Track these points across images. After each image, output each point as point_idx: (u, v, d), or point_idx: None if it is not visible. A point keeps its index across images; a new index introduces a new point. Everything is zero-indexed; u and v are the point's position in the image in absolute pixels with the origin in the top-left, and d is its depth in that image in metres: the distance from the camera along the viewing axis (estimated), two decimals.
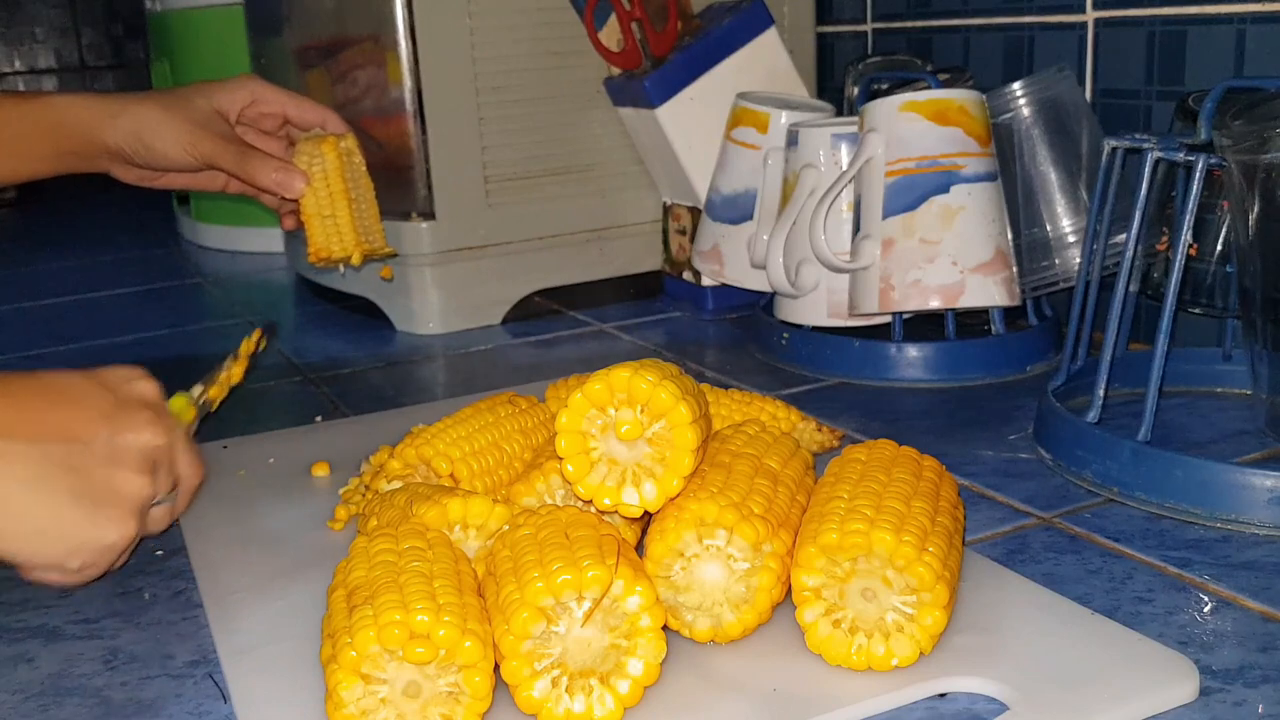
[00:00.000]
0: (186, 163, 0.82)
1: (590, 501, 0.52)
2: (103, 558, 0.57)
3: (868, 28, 1.23)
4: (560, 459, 0.52)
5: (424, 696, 0.45)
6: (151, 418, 0.59)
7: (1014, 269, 0.89)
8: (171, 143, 0.81)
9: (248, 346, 0.77)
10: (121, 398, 0.59)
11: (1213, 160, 0.68)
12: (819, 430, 0.74)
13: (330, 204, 0.85)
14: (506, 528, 0.53)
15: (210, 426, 0.78)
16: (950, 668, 0.49)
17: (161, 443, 0.59)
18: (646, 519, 0.56)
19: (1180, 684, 0.48)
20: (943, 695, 0.49)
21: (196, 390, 0.72)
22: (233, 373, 0.75)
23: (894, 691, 0.48)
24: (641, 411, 0.51)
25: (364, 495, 0.69)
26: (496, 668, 0.46)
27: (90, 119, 0.81)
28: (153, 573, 0.65)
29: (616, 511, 0.52)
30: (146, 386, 0.62)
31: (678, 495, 0.52)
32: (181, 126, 0.80)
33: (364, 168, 0.88)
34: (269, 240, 1.61)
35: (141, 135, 0.81)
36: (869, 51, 1.23)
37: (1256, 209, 0.68)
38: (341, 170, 0.85)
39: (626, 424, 0.51)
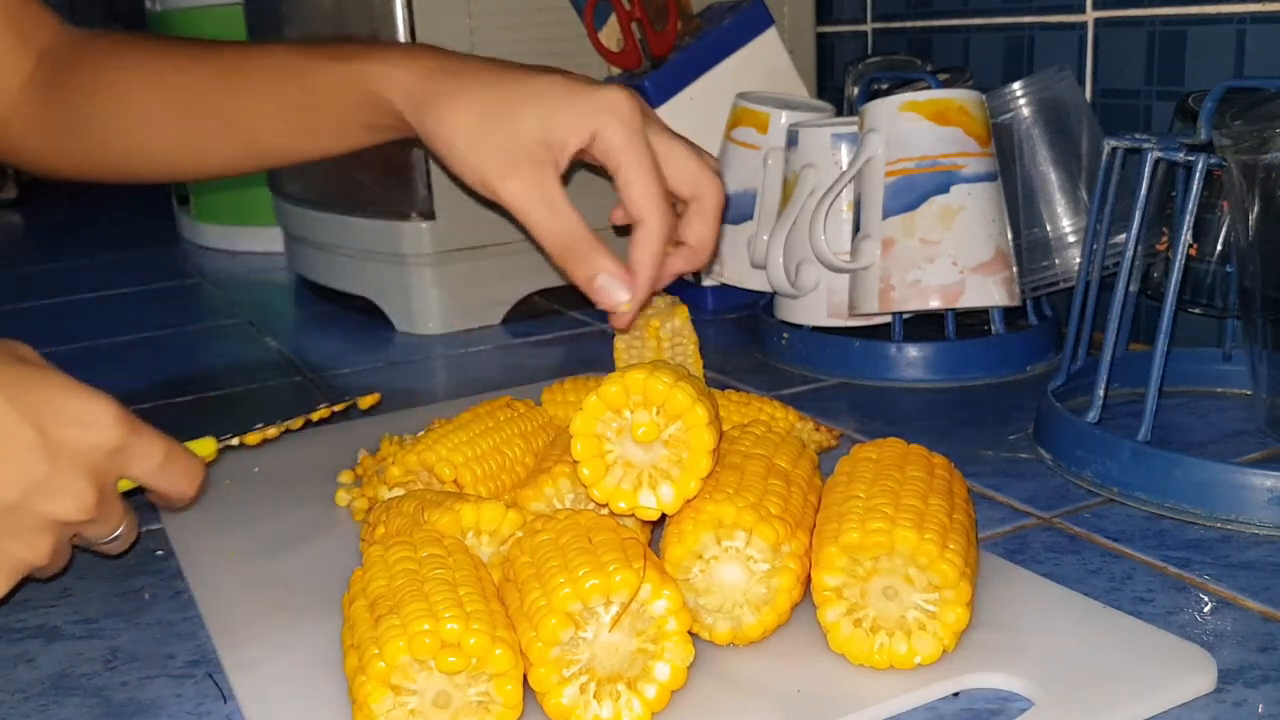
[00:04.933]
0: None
1: (605, 505, 0.52)
2: (6, 582, 0.52)
3: (868, 28, 1.23)
4: (575, 462, 0.52)
5: (454, 706, 0.44)
6: (76, 489, 0.51)
7: (1014, 269, 0.89)
8: (468, 173, 0.63)
9: (320, 414, 0.71)
10: (54, 448, 0.51)
11: (1213, 160, 0.68)
12: (816, 430, 0.74)
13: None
14: (521, 534, 0.53)
15: (213, 429, 0.77)
16: (972, 665, 0.49)
17: (76, 518, 0.52)
18: (653, 524, 0.56)
19: (1199, 674, 0.48)
20: (955, 695, 0.49)
21: (234, 441, 0.67)
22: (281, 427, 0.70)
23: (919, 689, 0.48)
24: (658, 413, 0.51)
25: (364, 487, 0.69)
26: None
27: (403, 103, 0.63)
28: (153, 573, 0.65)
29: (632, 515, 0.52)
30: (97, 439, 0.52)
31: (693, 497, 0.52)
32: (486, 158, 0.62)
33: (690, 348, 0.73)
34: (269, 240, 1.61)
35: (438, 147, 0.63)
36: (869, 51, 1.23)
37: (1256, 209, 0.68)
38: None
39: (643, 426, 0.51)
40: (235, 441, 0.66)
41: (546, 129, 0.62)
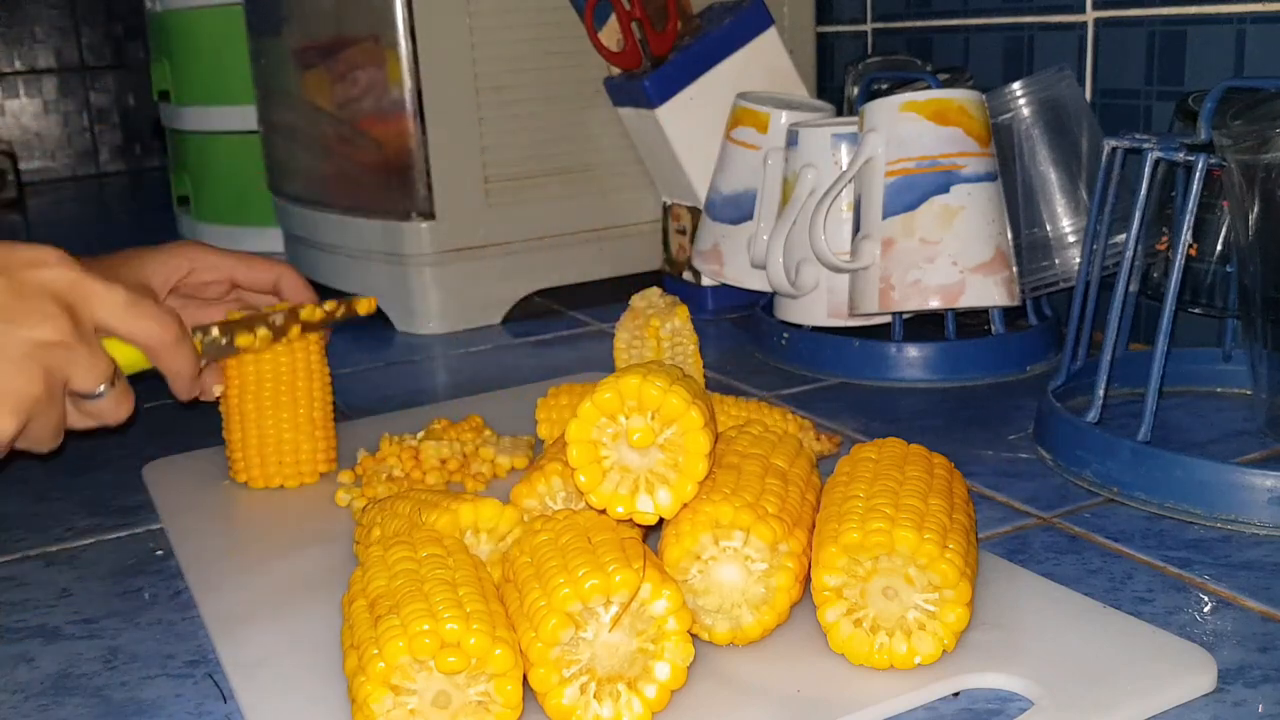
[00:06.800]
0: None
1: (604, 511, 0.52)
2: None
3: (868, 28, 1.22)
4: (572, 469, 0.51)
5: (453, 706, 0.44)
6: (48, 311, 0.57)
7: (1014, 269, 0.89)
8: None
9: (309, 314, 0.72)
10: (18, 284, 0.57)
11: (1213, 160, 0.68)
12: (817, 439, 0.74)
13: None
14: (519, 533, 0.53)
15: (213, 429, 0.77)
16: (971, 665, 0.49)
17: (53, 339, 0.57)
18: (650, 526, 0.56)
19: (1199, 674, 0.48)
20: (955, 695, 0.49)
21: (214, 331, 0.68)
22: (280, 326, 0.70)
23: (918, 689, 0.48)
24: (653, 418, 0.51)
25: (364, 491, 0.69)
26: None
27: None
28: (152, 573, 0.65)
29: (631, 519, 0.52)
30: (55, 274, 0.58)
31: (691, 499, 0.52)
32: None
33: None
34: (269, 240, 1.61)
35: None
36: (869, 51, 1.23)
37: (1256, 209, 0.68)
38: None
39: (638, 431, 0.51)
40: (215, 332, 0.68)
41: (141, 277, 0.72)
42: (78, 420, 0.63)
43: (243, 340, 0.70)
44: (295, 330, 0.72)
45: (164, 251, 0.74)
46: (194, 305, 0.76)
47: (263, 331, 0.70)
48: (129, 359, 0.64)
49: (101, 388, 0.61)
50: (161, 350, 0.64)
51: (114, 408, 0.62)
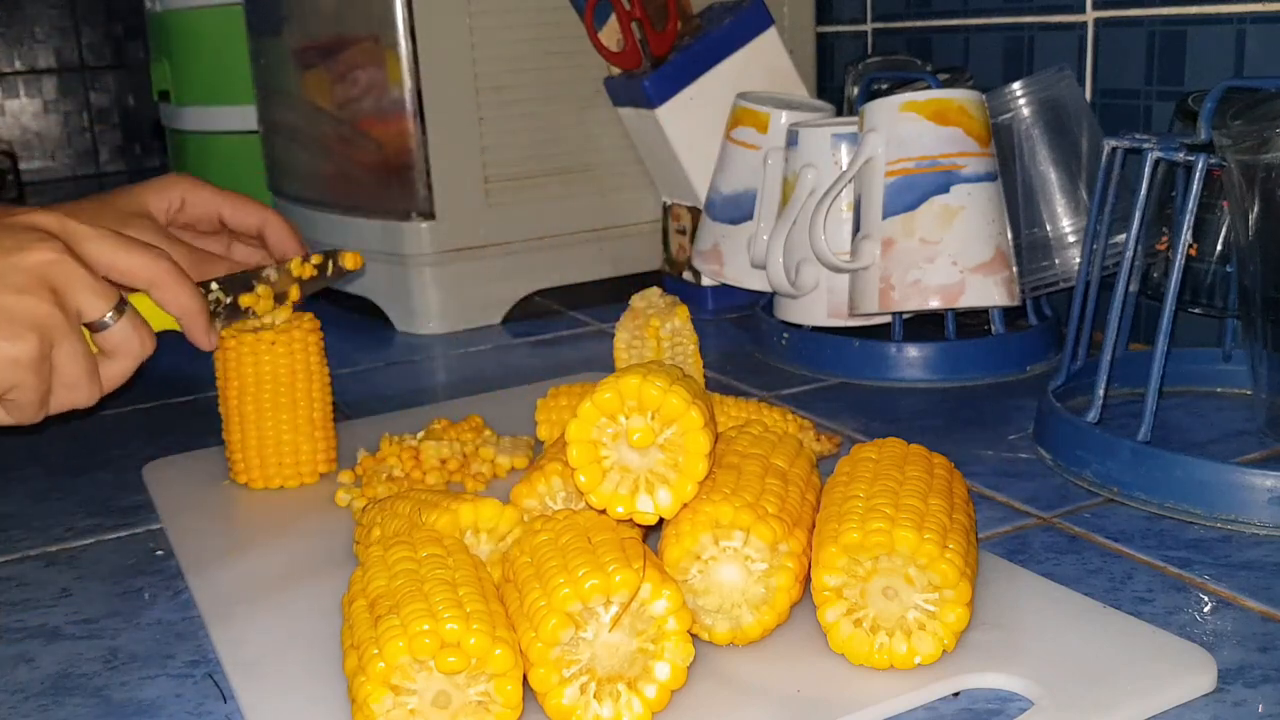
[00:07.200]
0: None
1: (604, 511, 0.52)
2: (12, 374, 0.58)
3: (868, 28, 1.22)
4: (572, 469, 0.51)
5: (453, 706, 0.44)
6: (39, 237, 0.59)
7: (1014, 269, 0.89)
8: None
9: (299, 269, 0.73)
10: (6, 225, 0.59)
11: (1213, 160, 0.68)
12: (817, 439, 0.74)
13: None
14: (519, 533, 0.53)
15: (213, 429, 0.78)
16: (971, 665, 0.49)
17: (50, 257, 0.59)
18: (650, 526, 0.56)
19: (1199, 674, 0.48)
20: (955, 695, 0.49)
21: (214, 286, 0.69)
22: (276, 283, 0.71)
23: (918, 690, 0.48)
24: (653, 418, 0.51)
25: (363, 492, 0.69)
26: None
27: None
28: (153, 573, 0.65)
29: (631, 519, 0.52)
30: (41, 217, 0.61)
31: (691, 500, 0.52)
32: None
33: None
34: None
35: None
36: (869, 51, 1.23)
37: (1256, 209, 0.68)
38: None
39: (638, 431, 0.51)
40: (215, 287, 0.68)
41: (139, 205, 0.76)
42: (106, 369, 0.64)
43: (246, 300, 0.71)
44: (295, 291, 0.72)
45: (158, 182, 0.76)
46: (188, 237, 0.77)
47: (263, 289, 0.71)
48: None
49: (109, 314, 0.62)
50: (162, 282, 0.65)
51: (133, 336, 0.63)
